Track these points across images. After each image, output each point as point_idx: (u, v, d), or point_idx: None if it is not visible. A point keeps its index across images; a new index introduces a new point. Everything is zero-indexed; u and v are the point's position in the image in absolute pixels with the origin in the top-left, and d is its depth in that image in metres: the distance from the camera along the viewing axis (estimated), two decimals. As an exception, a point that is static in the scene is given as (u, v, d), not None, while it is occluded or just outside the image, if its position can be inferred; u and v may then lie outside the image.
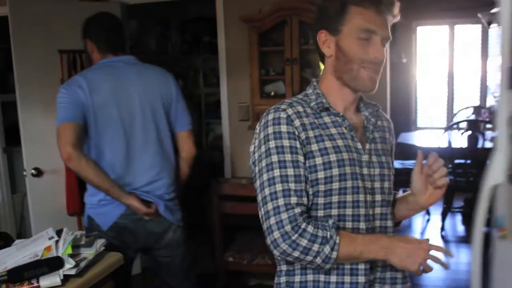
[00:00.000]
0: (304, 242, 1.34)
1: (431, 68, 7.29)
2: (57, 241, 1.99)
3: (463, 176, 4.96)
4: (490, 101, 6.51)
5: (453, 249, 4.93)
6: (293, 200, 1.37)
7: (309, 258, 1.36)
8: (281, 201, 1.37)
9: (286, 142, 1.40)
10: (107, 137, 2.47)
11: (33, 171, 3.70)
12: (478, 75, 7.00)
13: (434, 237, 5.15)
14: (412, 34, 7.03)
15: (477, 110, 6.18)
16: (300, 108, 1.46)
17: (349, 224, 1.44)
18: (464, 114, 6.25)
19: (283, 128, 1.41)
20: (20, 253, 1.96)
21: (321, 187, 1.41)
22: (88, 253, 2.04)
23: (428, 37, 7.25)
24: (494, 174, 1.60)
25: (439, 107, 7.29)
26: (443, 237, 5.13)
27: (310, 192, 1.42)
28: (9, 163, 4.72)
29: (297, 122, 1.42)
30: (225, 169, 4.06)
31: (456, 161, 5.10)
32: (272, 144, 1.41)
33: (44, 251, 1.94)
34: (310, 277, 1.46)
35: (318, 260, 1.35)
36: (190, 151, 2.72)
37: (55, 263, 1.85)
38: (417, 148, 5.66)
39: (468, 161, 4.96)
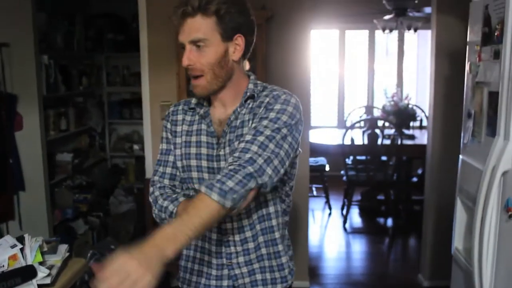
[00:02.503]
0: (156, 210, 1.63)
1: (323, 70, 7.64)
2: (21, 249, 1.83)
3: (364, 171, 5.28)
4: (380, 101, 6.97)
5: (351, 239, 5.23)
6: (156, 178, 1.67)
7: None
8: (155, 178, 1.68)
9: (163, 134, 1.69)
10: None
11: None
12: (365, 76, 7.48)
13: (336, 229, 5.43)
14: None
15: (368, 109, 6.60)
16: (180, 107, 1.68)
17: None
18: (357, 113, 6.63)
19: (164, 122, 1.70)
20: (-21, 265, 1.78)
21: (181, 174, 1.66)
22: (54, 259, 1.91)
23: (320, 40, 7.58)
24: (504, 162, 1.74)
25: (331, 107, 7.66)
26: (345, 229, 5.42)
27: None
28: None
29: (170, 118, 1.68)
30: (147, 169, 3.93)
31: (357, 157, 5.41)
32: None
33: (10, 261, 1.79)
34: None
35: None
36: None
37: (28, 273, 1.72)
38: (314, 145, 5.91)
39: (368, 157, 5.28)
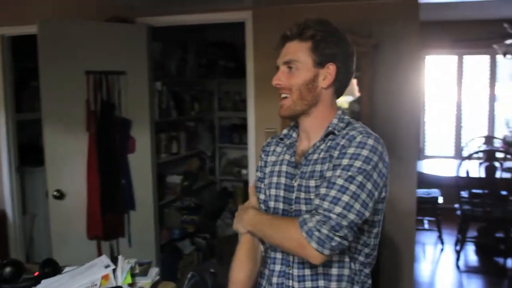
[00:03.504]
0: None
1: (439, 97, 7.31)
2: (114, 270, 1.92)
3: (480, 206, 4.95)
4: (502, 131, 6.54)
5: (465, 279, 4.88)
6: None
7: None
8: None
9: (258, 163, 1.78)
10: None
11: (55, 192, 3.62)
12: (486, 104, 7.04)
13: (448, 267, 5.11)
14: (420, 63, 7.08)
15: (488, 139, 6.20)
16: (274, 139, 1.77)
17: None
18: (475, 143, 6.26)
19: (261, 152, 1.80)
20: (75, 282, 1.89)
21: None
22: (144, 282, 1.97)
23: (437, 66, 7.28)
24: None
25: (447, 136, 7.29)
26: (458, 267, 5.08)
27: None
28: (20, 184, 4.62)
29: (265, 149, 1.77)
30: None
31: (473, 190, 5.09)
32: None
33: (102, 280, 1.88)
34: None
35: None
36: None
37: (116, 293, 1.78)
38: (426, 176, 5.66)
39: (485, 191, 4.94)
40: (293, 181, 1.58)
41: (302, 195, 1.53)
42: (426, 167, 6.02)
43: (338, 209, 1.36)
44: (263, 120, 3.89)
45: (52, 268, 2.08)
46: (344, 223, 1.35)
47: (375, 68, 3.60)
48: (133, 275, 1.95)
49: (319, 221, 1.36)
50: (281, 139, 1.72)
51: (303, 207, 1.53)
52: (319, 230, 1.35)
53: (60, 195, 3.63)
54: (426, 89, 7.23)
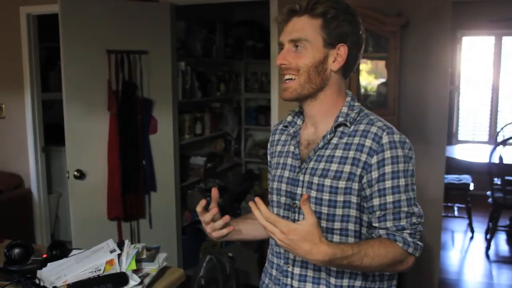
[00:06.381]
0: None
1: (475, 80, 7.05)
2: (119, 255, 1.87)
3: (513, 194, 4.77)
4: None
5: (495, 270, 4.71)
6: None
7: None
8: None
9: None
10: None
11: (75, 172, 3.61)
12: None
13: (478, 256, 4.95)
14: (456, 44, 6.83)
15: (525, 125, 5.96)
16: (280, 126, 1.66)
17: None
18: (511, 129, 6.03)
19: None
20: (80, 266, 1.85)
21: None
22: (151, 268, 1.91)
23: (474, 47, 7.01)
24: None
25: (482, 121, 7.04)
26: (488, 256, 4.91)
27: None
28: (46, 163, 4.65)
29: (271, 138, 1.68)
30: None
31: (507, 177, 4.89)
32: None
33: (107, 265, 1.83)
34: None
35: None
36: None
37: (119, 280, 1.74)
38: (458, 162, 5.47)
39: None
40: (299, 175, 1.46)
41: (313, 193, 1.41)
42: (458, 152, 5.83)
43: (414, 219, 1.42)
44: (286, 101, 3.78)
45: (60, 251, 2.05)
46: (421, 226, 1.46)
47: (403, 49, 3.45)
48: (139, 261, 1.90)
49: (411, 234, 1.43)
50: (286, 127, 1.59)
51: (312, 207, 1.40)
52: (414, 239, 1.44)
53: (81, 175, 3.61)
54: (462, 71, 6.98)
